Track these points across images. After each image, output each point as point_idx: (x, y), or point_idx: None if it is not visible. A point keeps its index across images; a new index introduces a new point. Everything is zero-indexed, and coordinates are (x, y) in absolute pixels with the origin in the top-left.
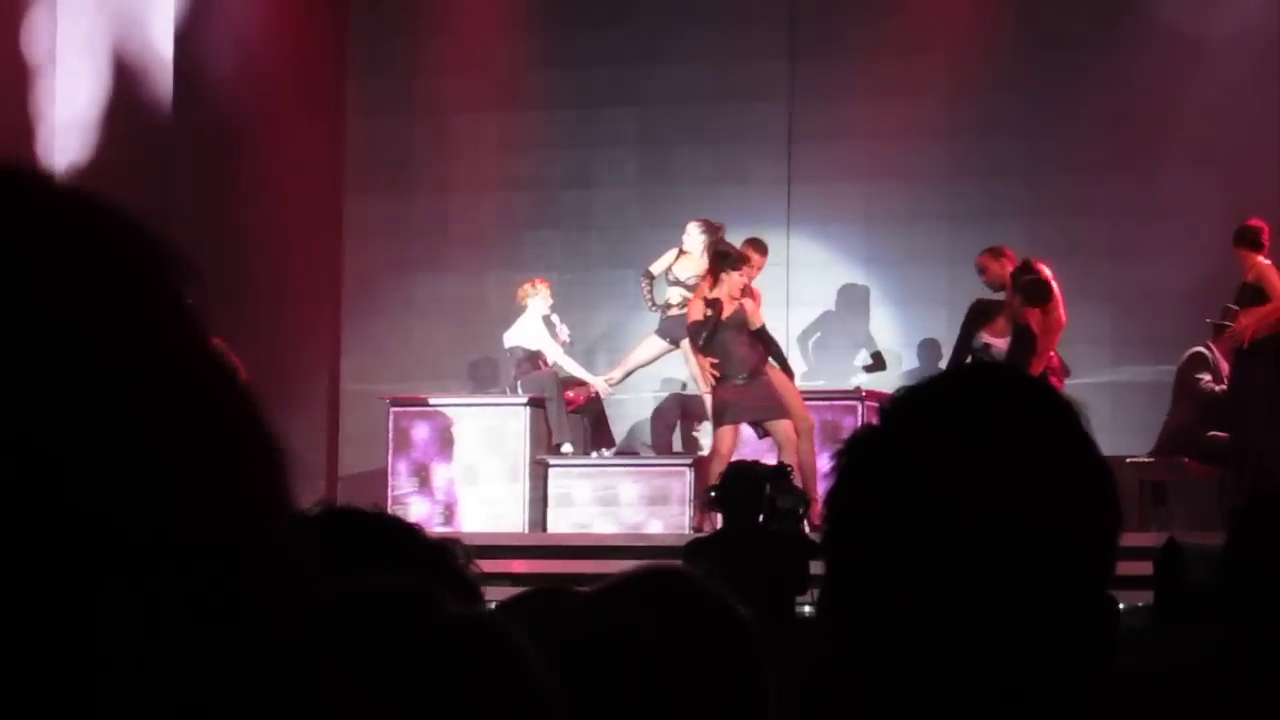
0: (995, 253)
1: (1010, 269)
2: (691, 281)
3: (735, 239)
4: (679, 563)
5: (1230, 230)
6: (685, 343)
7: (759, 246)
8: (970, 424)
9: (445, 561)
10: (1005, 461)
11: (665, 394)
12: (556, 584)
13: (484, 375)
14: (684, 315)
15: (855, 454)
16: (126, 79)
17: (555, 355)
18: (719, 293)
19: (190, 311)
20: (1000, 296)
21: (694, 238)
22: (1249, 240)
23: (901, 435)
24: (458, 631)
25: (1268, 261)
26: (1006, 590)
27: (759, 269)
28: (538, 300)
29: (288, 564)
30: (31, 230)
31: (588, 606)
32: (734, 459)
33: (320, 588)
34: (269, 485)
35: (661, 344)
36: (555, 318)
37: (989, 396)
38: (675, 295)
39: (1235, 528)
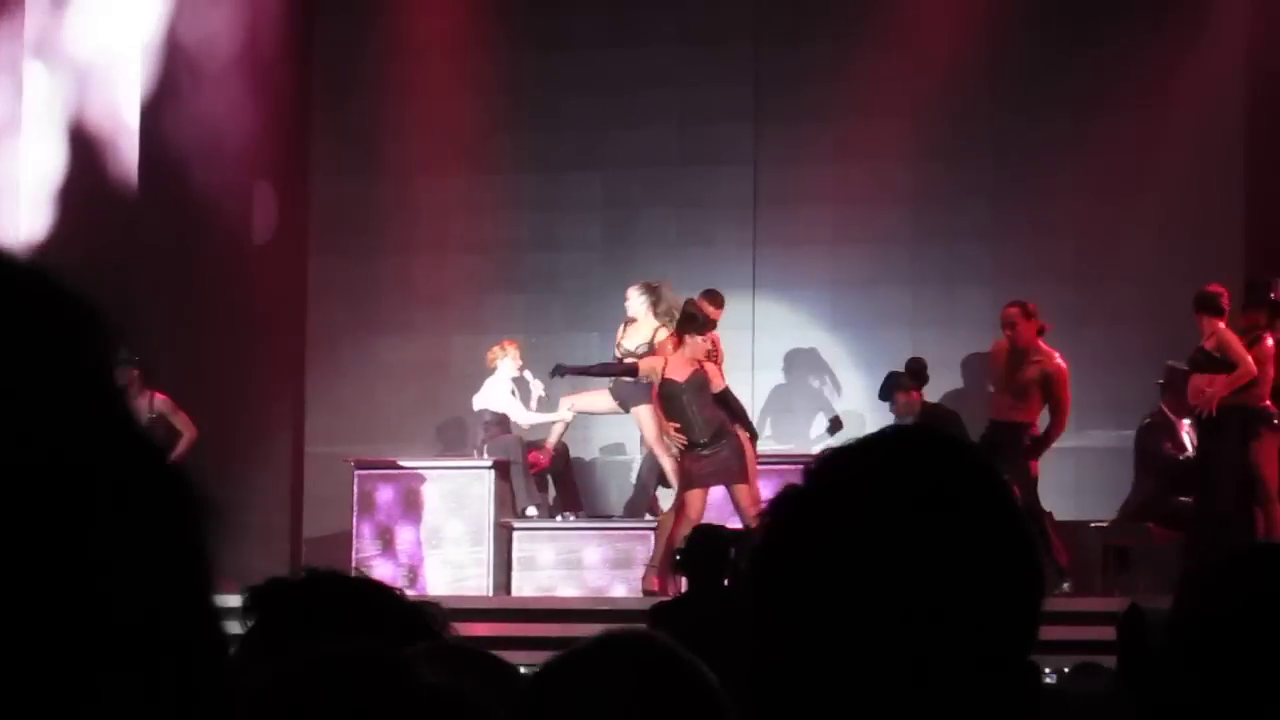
0: (1026, 311)
1: (1036, 328)
2: (641, 350)
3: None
4: (644, 627)
5: (1190, 294)
6: (638, 409)
7: (715, 299)
8: (890, 485)
9: (424, 625)
10: (924, 523)
11: (633, 458)
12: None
13: (448, 438)
14: (636, 382)
15: (778, 514)
16: (92, 146)
17: (521, 417)
18: (683, 354)
19: (109, 380)
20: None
21: (635, 303)
22: (1209, 306)
23: (822, 496)
24: (428, 699)
25: (1225, 327)
26: (925, 654)
27: (716, 321)
28: (507, 362)
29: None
30: None
31: (558, 671)
32: (701, 522)
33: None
34: (180, 544)
35: (612, 403)
36: (528, 374)
37: (911, 458)
38: (631, 340)
39: (1183, 588)
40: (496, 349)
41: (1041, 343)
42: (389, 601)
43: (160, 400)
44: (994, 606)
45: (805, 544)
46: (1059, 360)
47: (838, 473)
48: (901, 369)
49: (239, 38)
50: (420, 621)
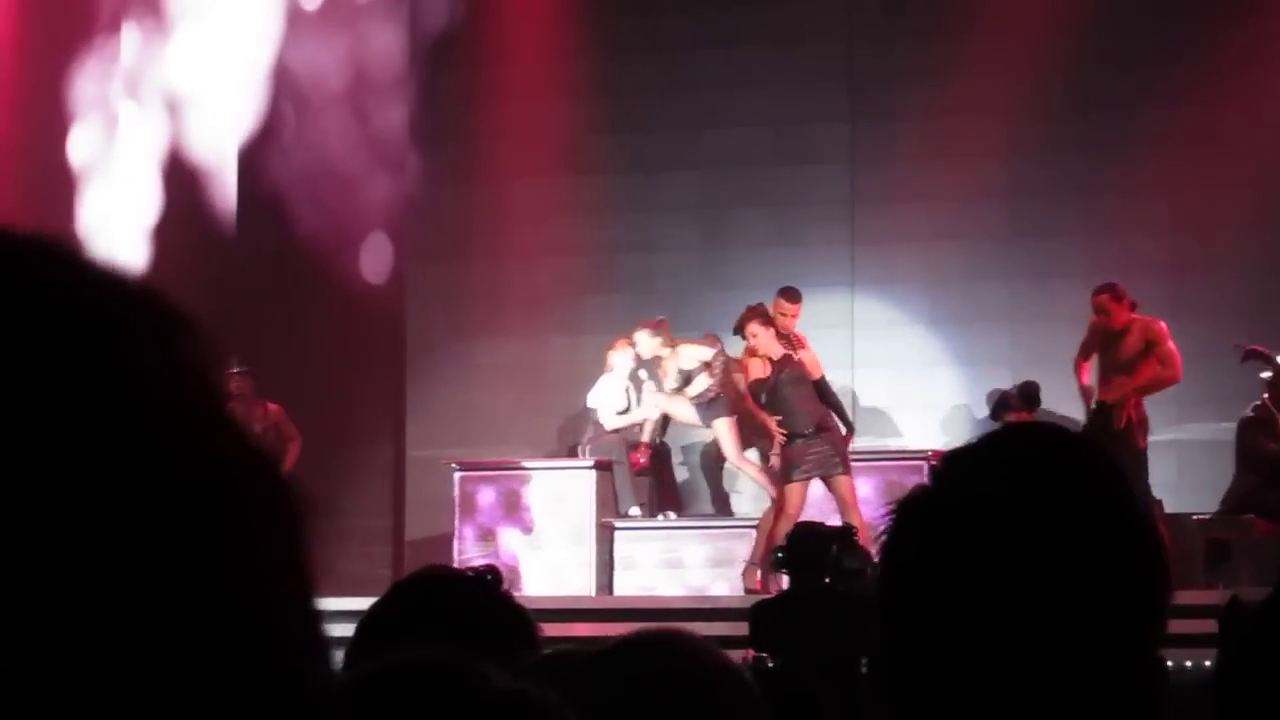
0: (1116, 295)
1: (1129, 306)
2: (692, 366)
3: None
4: (677, 626)
5: None
6: (717, 422)
7: (790, 295)
8: (1019, 487)
9: (526, 626)
10: (1053, 525)
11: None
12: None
13: (547, 439)
14: (710, 400)
15: (906, 516)
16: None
17: (607, 420)
18: (761, 351)
19: (209, 382)
20: None
21: (645, 344)
22: None
23: (951, 497)
24: (500, 707)
25: None
26: (1056, 654)
27: (794, 317)
28: (621, 357)
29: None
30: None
31: (580, 677)
32: (801, 519)
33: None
34: (278, 551)
35: (694, 416)
36: (643, 374)
37: (1038, 458)
38: (693, 386)
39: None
40: (615, 347)
41: (1135, 315)
42: (491, 603)
43: (273, 410)
44: (1122, 604)
45: (934, 545)
46: (1157, 323)
47: (964, 474)
48: (1000, 364)
49: (347, 71)
50: (524, 622)
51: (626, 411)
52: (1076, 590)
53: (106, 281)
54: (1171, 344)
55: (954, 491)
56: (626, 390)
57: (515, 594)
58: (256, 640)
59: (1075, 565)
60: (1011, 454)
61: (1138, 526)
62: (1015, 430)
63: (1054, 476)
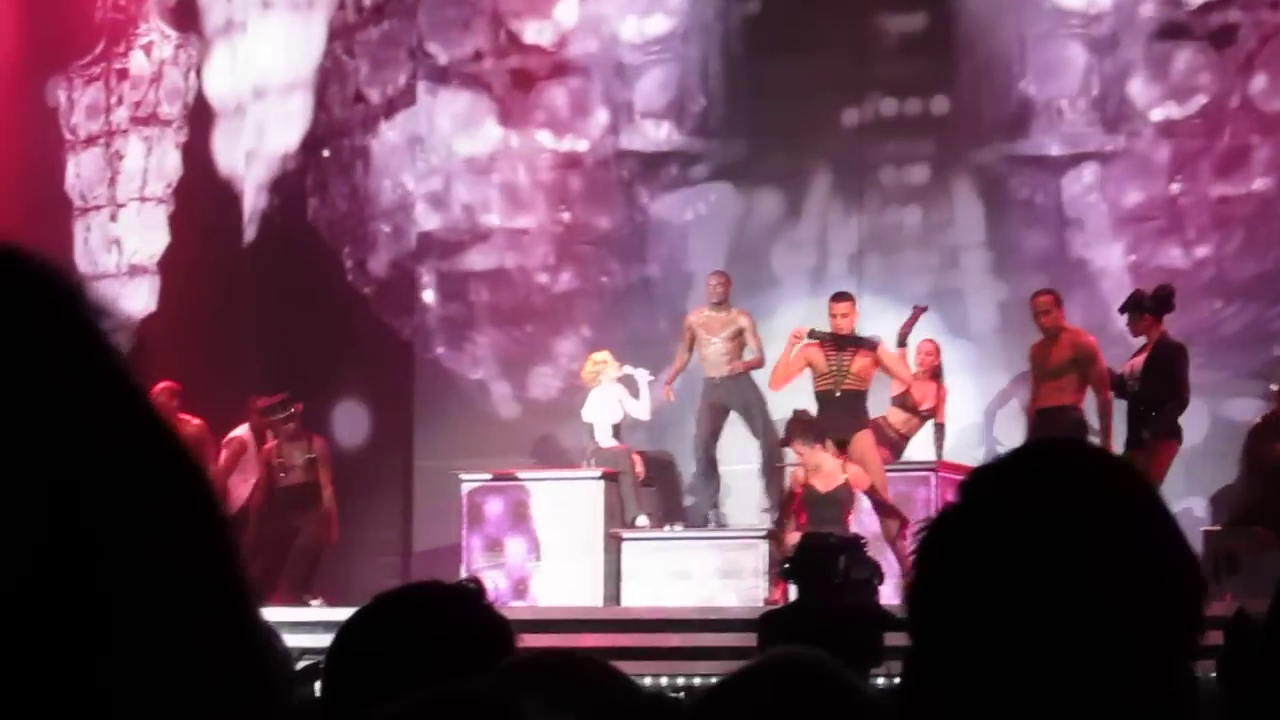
0: (1057, 299)
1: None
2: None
3: None
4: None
5: None
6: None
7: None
8: (1048, 503)
9: (507, 635)
10: (1084, 540)
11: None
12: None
13: (554, 451)
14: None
15: (937, 531)
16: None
17: (641, 413)
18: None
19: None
20: None
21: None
22: None
23: (981, 515)
24: None
25: None
26: (1087, 669)
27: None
28: (609, 370)
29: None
30: None
31: (717, 697)
32: (807, 530)
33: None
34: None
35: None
36: (629, 368)
37: (1067, 474)
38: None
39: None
40: (590, 364)
41: (1067, 324)
42: (469, 615)
43: (319, 443)
44: (1156, 621)
45: (964, 563)
46: (1087, 337)
47: (991, 490)
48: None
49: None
50: (502, 633)
51: (620, 424)
52: (1110, 607)
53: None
54: (1103, 364)
55: (984, 509)
56: (620, 401)
57: (524, 604)
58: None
59: (1109, 581)
60: (1040, 470)
61: (1170, 541)
62: (1042, 445)
63: (1084, 493)
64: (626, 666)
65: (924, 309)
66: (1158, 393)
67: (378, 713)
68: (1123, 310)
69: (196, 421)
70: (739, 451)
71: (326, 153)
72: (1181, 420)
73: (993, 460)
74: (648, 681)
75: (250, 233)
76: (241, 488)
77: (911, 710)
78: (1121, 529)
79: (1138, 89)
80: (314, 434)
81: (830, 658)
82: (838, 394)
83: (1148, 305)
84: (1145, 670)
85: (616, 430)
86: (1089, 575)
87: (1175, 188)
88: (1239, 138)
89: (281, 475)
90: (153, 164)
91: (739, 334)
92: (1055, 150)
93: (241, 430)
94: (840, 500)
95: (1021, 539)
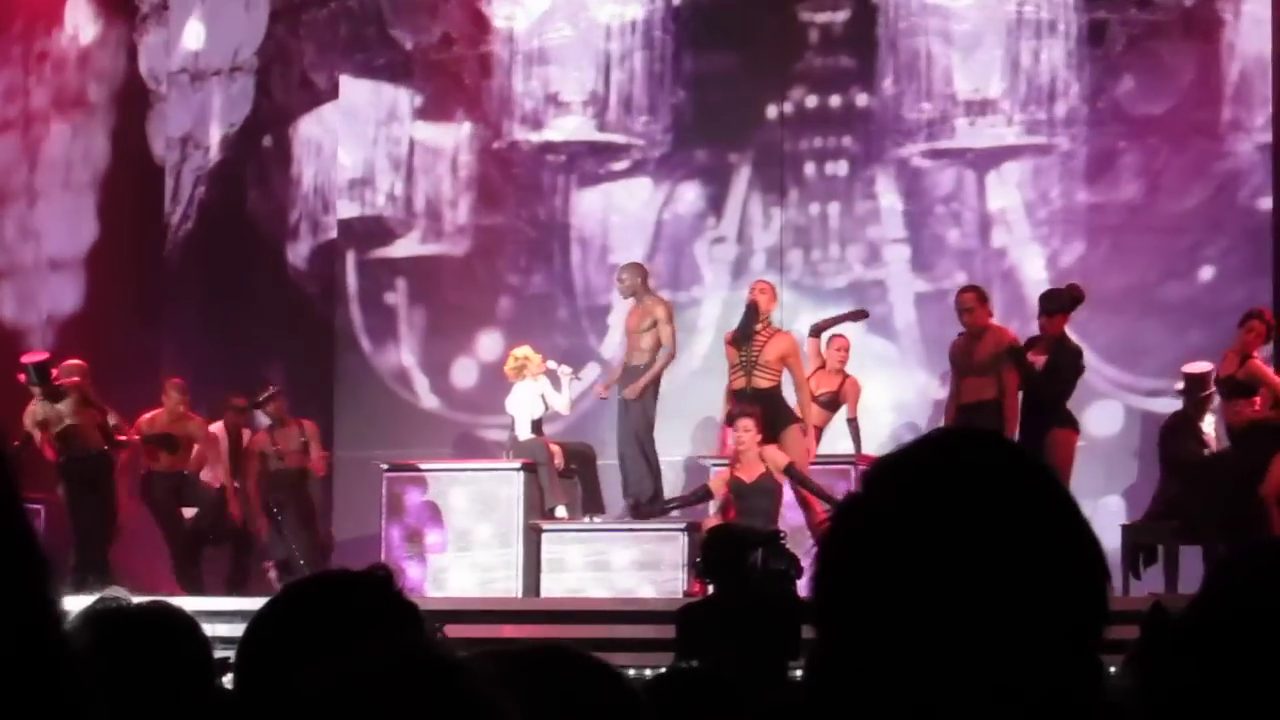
0: (981, 295)
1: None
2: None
3: None
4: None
5: None
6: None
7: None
8: (954, 491)
9: (416, 620)
10: (991, 529)
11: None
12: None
13: (474, 442)
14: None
15: (840, 520)
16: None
17: (562, 406)
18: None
19: None
20: None
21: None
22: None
23: (886, 504)
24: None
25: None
26: (991, 657)
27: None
28: (531, 365)
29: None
30: None
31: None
32: (714, 523)
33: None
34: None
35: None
36: (552, 363)
37: (971, 462)
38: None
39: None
40: (512, 359)
41: (991, 321)
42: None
43: (309, 425)
44: (1061, 607)
45: (870, 551)
46: (1009, 334)
47: (899, 479)
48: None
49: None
50: (413, 619)
51: (541, 418)
52: (1015, 594)
53: None
54: (1026, 361)
55: (889, 497)
56: (542, 395)
57: (443, 595)
58: None
59: (1014, 568)
60: (945, 458)
61: (1075, 529)
62: (947, 435)
63: (989, 480)
64: None
65: (865, 315)
66: (1059, 387)
67: (312, 678)
68: (1042, 308)
69: (309, 423)
70: (661, 444)
71: (268, 141)
72: (1098, 415)
73: (896, 449)
74: None
75: (177, 219)
76: (211, 481)
77: (815, 700)
78: (1021, 516)
79: (1061, 87)
80: (301, 419)
81: (719, 674)
82: (749, 391)
83: (1063, 304)
84: (1044, 658)
85: (538, 424)
86: (987, 563)
87: (1094, 188)
88: (1165, 140)
89: (277, 461)
90: (78, 151)
91: (654, 325)
92: (977, 146)
93: (215, 426)
94: (768, 490)
95: (920, 526)
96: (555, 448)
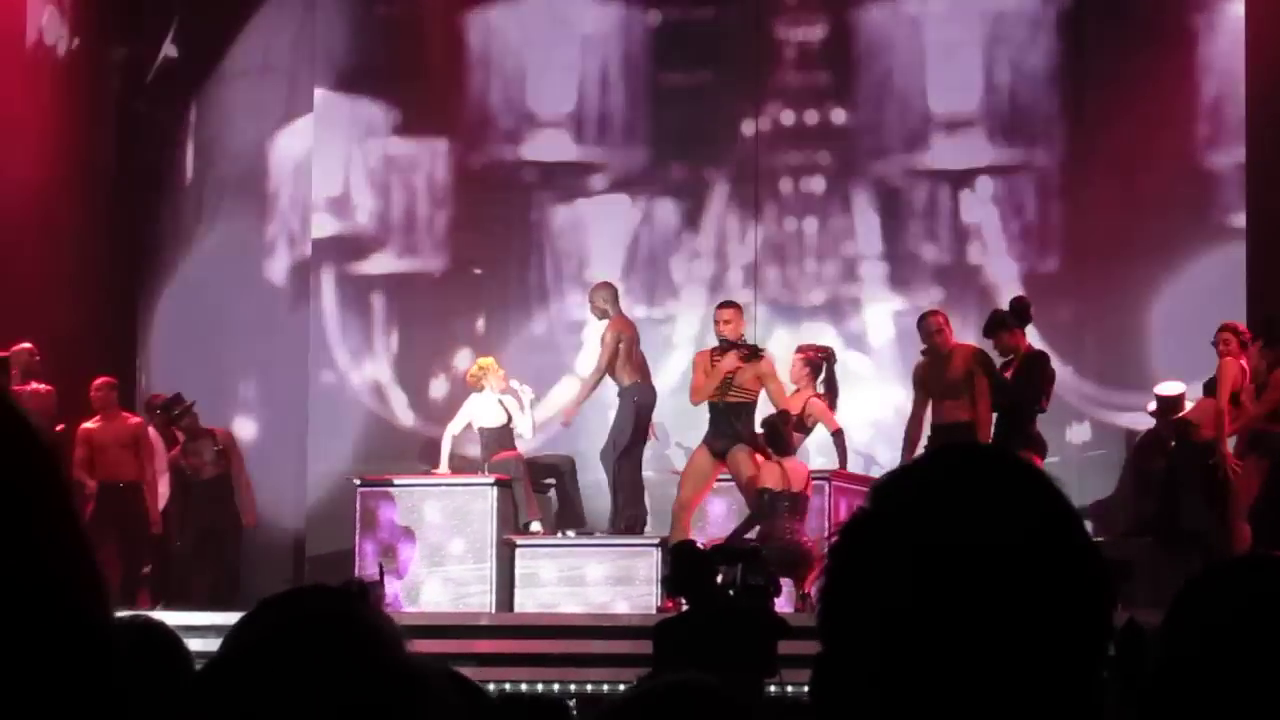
0: (946, 319)
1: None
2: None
3: None
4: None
5: None
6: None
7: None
8: (957, 506)
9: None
10: (995, 545)
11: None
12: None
13: (449, 457)
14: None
15: (847, 537)
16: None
17: (525, 427)
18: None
19: None
20: None
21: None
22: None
23: (890, 517)
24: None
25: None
26: (997, 672)
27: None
28: (492, 379)
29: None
30: None
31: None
32: (678, 539)
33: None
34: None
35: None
36: (514, 383)
37: (977, 479)
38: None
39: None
40: (476, 369)
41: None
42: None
43: (222, 434)
44: (1069, 624)
45: (877, 568)
46: (979, 350)
47: (899, 495)
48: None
49: None
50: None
51: (504, 428)
52: (1021, 610)
53: None
54: (996, 373)
55: (894, 513)
56: (502, 405)
57: (416, 609)
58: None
59: (1020, 585)
60: (950, 474)
61: (1080, 547)
62: (951, 450)
63: (995, 496)
64: (518, 672)
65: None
66: (1031, 392)
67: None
68: (987, 333)
69: (222, 431)
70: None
71: (245, 156)
72: (1063, 431)
73: (903, 465)
74: (539, 688)
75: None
76: (162, 488)
77: (820, 713)
78: (1026, 532)
79: (1037, 104)
80: (213, 429)
81: (719, 683)
82: (721, 405)
83: (1010, 321)
84: (1050, 673)
85: (505, 436)
86: (992, 579)
87: (1069, 205)
88: (1139, 157)
89: (191, 474)
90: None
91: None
92: (953, 163)
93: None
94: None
95: (925, 542)
96: (530, 462)
